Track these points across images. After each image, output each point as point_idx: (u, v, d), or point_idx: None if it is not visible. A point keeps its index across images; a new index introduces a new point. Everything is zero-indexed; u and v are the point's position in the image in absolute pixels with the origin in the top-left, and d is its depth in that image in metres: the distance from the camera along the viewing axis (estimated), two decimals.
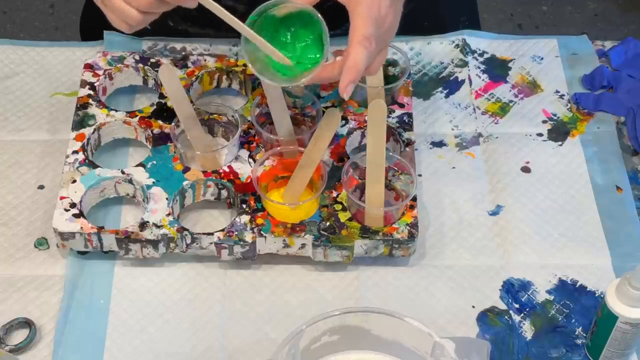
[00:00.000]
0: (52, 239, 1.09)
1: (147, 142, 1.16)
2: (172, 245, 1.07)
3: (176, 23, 1.29)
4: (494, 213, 1.15)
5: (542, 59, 1.32)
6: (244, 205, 1.09)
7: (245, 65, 1.23)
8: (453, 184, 1.18)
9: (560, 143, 1.23)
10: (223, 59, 1.23)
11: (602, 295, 1.07)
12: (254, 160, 1.13)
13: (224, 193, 1.12)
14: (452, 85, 1.28)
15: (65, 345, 1.02)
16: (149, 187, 1.10)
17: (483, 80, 1.29)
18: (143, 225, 1.06)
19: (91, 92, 1.19)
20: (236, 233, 1.06)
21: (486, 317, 1.06)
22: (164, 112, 1.17)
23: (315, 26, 0.96)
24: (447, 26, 1.34)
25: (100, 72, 1.21)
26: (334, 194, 1.10)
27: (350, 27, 0.92)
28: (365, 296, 1.07)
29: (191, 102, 1.15)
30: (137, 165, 1.12)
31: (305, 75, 0.95)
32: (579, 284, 1.09)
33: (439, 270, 1.10)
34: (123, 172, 1.12)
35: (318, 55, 0.97)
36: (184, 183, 1.10)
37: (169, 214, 1.07)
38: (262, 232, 1.06)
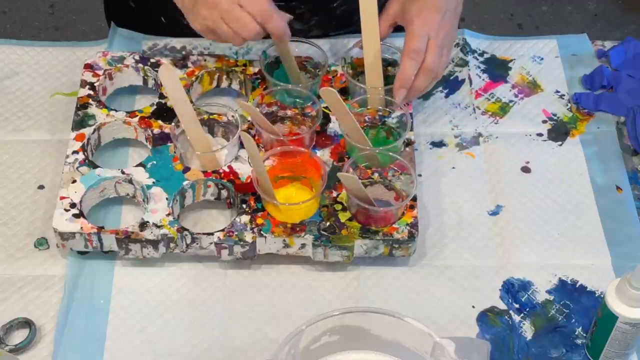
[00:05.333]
0: (52, 239, 1.09)
1: (147, 142, 1.16)
2: (172, 245, 1.07)
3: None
4: (494, 213, 1.15)
5: (542, 59, 1.32)
6: (244, 205, 1.09)
7: (244, 65, 1.23)
8: (453, 184, 1.18)
9: (560, 143, 1.23)
10: (223, 58, 1.23)
11: (602, 295, 1.07)
12: None
13: (224, 193, 1.12)
14: (452, 84, 1.28)
15: (65, 345, 1.02)
16: (149, 187, 1.10)
17: (483, 80, 1.29)
18: (143, 225, 1.06)
19: (91, 92, 1.19)
20: (236, 233, 1.06)
21: (486, 317, 1.06)
22: (164, 112, 1.17)
23: None
24: None
25: (100, 72, 1.21)
26: (334, 194, 1.10)
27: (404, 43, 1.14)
28: (365, 296, 1.07)
29: (191, 102, 1.15)
30: (137, 165, 1.12)
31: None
32: (579, 284, 1.09)
33: (439, 270, 1.10)
34: (123, 172, 1.12)
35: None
36: (184, 183, 1.10)
37: (169, 214, 1.07)
38: (262, 232, 1.06)
